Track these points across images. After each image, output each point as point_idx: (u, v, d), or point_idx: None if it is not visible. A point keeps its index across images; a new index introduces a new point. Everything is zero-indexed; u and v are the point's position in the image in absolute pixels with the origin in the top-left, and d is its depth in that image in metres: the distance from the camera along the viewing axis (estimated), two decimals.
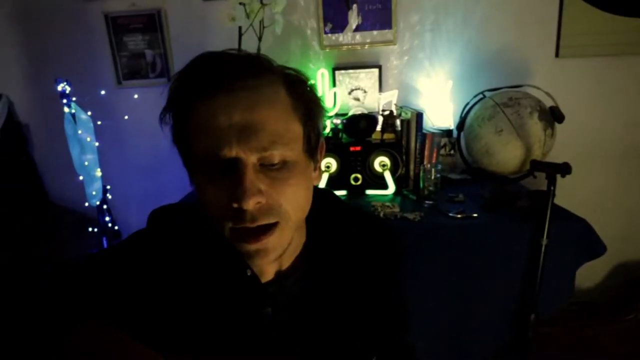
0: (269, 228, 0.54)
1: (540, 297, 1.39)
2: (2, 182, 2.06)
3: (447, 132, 1.86)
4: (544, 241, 1.32)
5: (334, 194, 0.75)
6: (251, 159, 0.52)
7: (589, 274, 2.12)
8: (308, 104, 0.59)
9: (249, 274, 0.62)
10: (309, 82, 0.61)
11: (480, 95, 1.63)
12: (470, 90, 1.73)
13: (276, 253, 0.57)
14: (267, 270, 0.64)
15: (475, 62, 1.91)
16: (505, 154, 1.50)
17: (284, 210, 0.55)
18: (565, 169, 1.22)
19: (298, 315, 0.65)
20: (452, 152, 1.89)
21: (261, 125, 0.52)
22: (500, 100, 1.52)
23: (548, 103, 1.52)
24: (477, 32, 1.89)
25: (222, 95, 0.52)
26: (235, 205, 0.51)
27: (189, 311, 0.63)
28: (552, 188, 1.28)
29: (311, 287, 0.66)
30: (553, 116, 1.49)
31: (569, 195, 1.59)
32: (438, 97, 1.91)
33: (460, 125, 1.67)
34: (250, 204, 0.51)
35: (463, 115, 1.66)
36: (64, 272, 0.68)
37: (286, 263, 0.65)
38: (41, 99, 2.05)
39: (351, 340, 0.67)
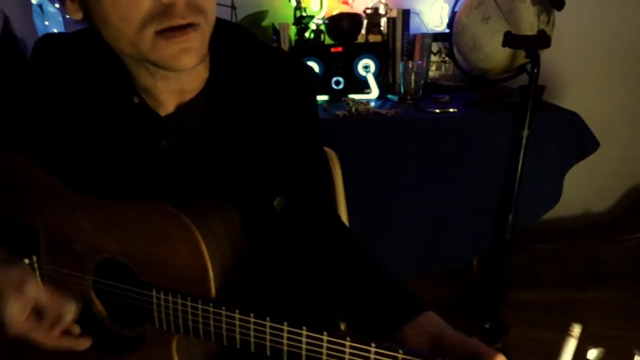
0: (193, 26, 0.51)
1: (523, 199, 1.31)
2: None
3: (442, 36, 1.72)
4: (525, 132, 1.22)
5: (245, 28, 0.70)
6: None
7: (600, 197, 1.98)
8: None
9: (136, 100, 0.60)
10: None
11: None
12: None
13: (199, 53, 0.53)
14: (167, 101, 0.61)
15: None
16: (493, 45, 1.37)
17: (205, 9, 0.51)
18: (542, 40, 1.09)
19: (196, 151, 0.62)
20: (446, 58, 1.75)
21: None
22: None
23: None
24: None
25: None
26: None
27: (84, 139, 0.63)
28: (535, 70, 1.16)
29: (212, 122, 0.63)
30: (550, 1, 1.33)
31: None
32: None
33: (451, 22, 1.54)
34: None
35: (454, 9, 1.52)
36: None
37: (187, 96, 0.62)
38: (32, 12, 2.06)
39: (252, 180, 0.64)
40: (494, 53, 1.39)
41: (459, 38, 1.48)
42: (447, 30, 1.70)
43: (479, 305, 1.56)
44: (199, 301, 0.53)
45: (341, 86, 1.62)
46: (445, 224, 1.38)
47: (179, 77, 0.58)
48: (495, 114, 1.34)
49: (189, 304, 0.54)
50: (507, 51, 1.36)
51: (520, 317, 1.56)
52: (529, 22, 1.31)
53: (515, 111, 1.29)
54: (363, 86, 1.61)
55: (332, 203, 0.74)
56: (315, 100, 0.71)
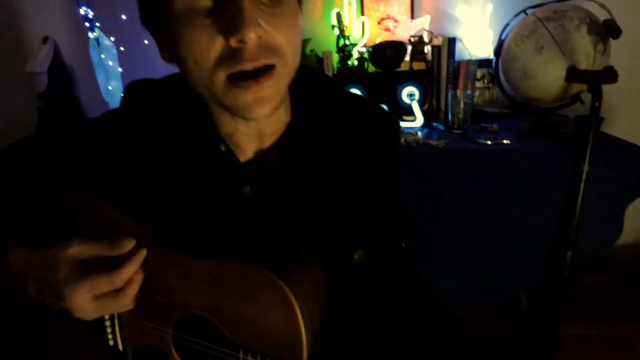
0: (268, 70, 0.49)
1: (581, 235, 1.26)
2: (50, 124, 2.21)
3: (486, 62, 1.70)
4: (585, 167, 1.18)
5: (324, 73, 0.70)
6: None
7: None
8: None
9: (223, 149, 0.60)
10: None
11: (522, 14, 1.46)
12: (510, 13, 1.55)
13: (274, 102, 0.52)
14: (247, 146, 0.62)
15: None
16: (547, 75, 1.34)
17: (282, 51, 0.50)
18: (609, 75, 1.05)
19: (279, 196, 0.62)
20: (490, 85, 1.73)
21: None
22: (542, 15, 1.35)
23: (602, 17, 1.33)
24: None
25: None
26: (233, 40, 0.46)
27: (169, 187, 0.63)
28: (596, 104, 1.12)
29: (293, 168, 0.62)
30: (606, 30, 1.29)
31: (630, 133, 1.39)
32: (476, 24, 1.75)
33: (498, 50, 1.51)
34: (252, 36, 0.46)
35: (501, 37, 1.50)
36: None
37: (267, 142, 0.62)
38: (82, 39, 2.13)
39: (333, 229, 0.63)
40: (546, 83, 1.35)
41: (508, 66, 1.45)
42: (492, 57, 1.68)
43: (529, 341, 1.50)
44: None
45: None
46: (498, 258, 1.34)
47: (258, 120, 0.57)
48: (548, 145, 1.30)
49: None
50: (561, 80, 1.33)
51: (572, 353, 1.49)
52: (584, 51, 1.28)
53: (570, 142, 1.25)
54: (407, 113, 1.60)
55: (409, 252, 0.72)
56: (398, 152, 0.70)
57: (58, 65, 2.17)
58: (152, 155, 0.62)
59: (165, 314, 0.61)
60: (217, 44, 0.47)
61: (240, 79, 0.48)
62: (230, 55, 0.47)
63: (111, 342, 0.64)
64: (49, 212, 0.60)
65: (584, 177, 1.18)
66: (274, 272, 0.51)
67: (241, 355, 0.55)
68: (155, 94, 0.65)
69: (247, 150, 0.61)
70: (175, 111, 0.62)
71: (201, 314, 0.58)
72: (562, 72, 1.31)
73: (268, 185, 0.62)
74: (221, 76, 0.48)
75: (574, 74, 1.14)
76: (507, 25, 1.49)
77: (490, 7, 1.70)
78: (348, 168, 0.63)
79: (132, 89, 0.68)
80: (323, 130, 0.63)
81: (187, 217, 0.62)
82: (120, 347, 0.64)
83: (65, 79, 2.20)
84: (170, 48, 0.52)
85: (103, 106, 2.16)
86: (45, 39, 2.13)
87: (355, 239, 0.64)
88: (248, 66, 0.48)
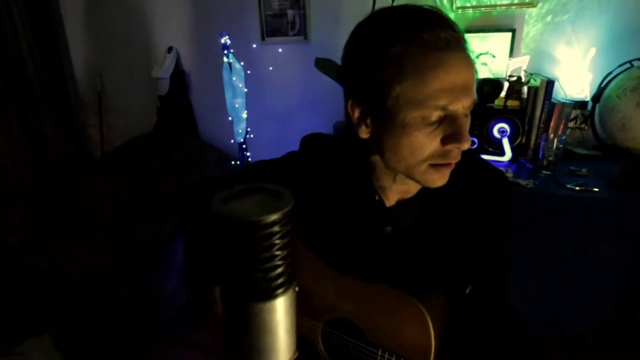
0: None
1: None
2: (166, 123, 2.53)
3: (581, 104, 1.74)
4: None
5: None
6: (463, 112, 0.63)
7: None
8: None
9: (377, 198, 0.77)
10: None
11: (627, 65, 1.50)
12: (615, 60, 1.59)
13: (447, 177, 0.68)
14: (392, 196, 0.78)
15: (627, 28, 1.71)
16: None
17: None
18: None
19: (412, 238, 0.78)
20: (583, 125, 1.77)
21: (472, 85, 0.63)
22: None
23: None
24: None
25: (453, 53, 0.60)
26: (450, 147, 0.62)
27: (327, 219, 0.81)
28: None
29: (426, 216, 0.78)
30: None
31: None
32: (576, 66, 1.79)
33: (597, 97, 1.56)
34: (465, 146, 0.63)
35: (602, 85, 1.55)
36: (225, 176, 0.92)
37: (408, 195, 0.78)
38: (200, 50, 2.42)
39: (453, 267, 0.79)
40: None
41: (606, 116, 1.51)
42: (588, 99, 1.72)
43: None
44: None
45: (475, 147, 1.72)
46: (573, 298, 1.43)
47: (411, 182, 0.73)
48: (638, 197, 1.35)
49: None
50: None
51: None
52: None
53: None
54: (496, 147, 1.70)
55: (509, 298, 0.86)
56: (512, 210, 0.83)
57: (178, 73, 2.48)
58: (320, 194, 0.81)
59: (318, 313, 0.81)
60: (434, 145, 0.63)
61: (439, 165, 0.65)
62: (440, 154, 0.64)
63: None
64: None
65: None
66: (414, 297, 0.69)
67: (379, 353, 0.73)
68: (327, 147, 0.84)
69: (391, 199, 0.78)
70: (342, 165, 0.80)
71: (349, 318, 0.77)
72: None
73: (405, 228, 0.79)
74: (427, 163, 0.65)
75: None
76: (609, 73, 1.53)
77: (593, 50, 1.74)
78: (467, 220, 0.78)
79: (308, 140, 0.87)
80: (452, 188, 0.78)
81: (341, 244, 0.81)
82: None
83: (182, 85, 2.52)
84: (377, 133, 0.68)
85: (213, 112, 2.45)
86: (170, 49, 2.45)
87: (468, 275, 0.79)
88: (449, 162, 0.65)
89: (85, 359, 1.66)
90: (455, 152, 0.63)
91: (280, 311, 0.33)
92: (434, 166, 0.65)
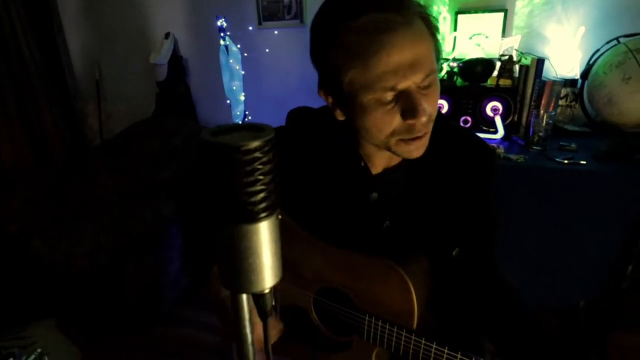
0: (426, 134, 0.70)
1: None
2: (165, 108, 2.57)
3: (571, 82, 1.78)
4: None
5: (441, 113, 0.89)
6: (416, 87, 0.65)
7: None
8: (437, 39, 0.69)
9: (362, 164, 0.81)
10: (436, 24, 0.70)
11: (614, 42, 1.53)
12: (603, 38, 1.61)
13: (425, 147, 0.72)
14: (378, 164, 0.82)
15: (616, 6, 1.74)
16: (630, 103, 1.43)
17: (432, 118, 0.70)
18: None
19: (398, 204, 0.83)
20: (573, 103, 1.81)
21: (422, 60, 0.64)
22: (634, 46, 1.42)
23: None
24: None
25: (395, 32, 0.61)
26: (410, 121, 0.65)
27: (314, 190, 0.86)
28: None
29: (411, 183, 0.82)
30: None
31: None
32: (566, 45, 1.82)
33: (585, 73, 1.60)
34: (423, 119, 0.65)
35: (590, 62, 1.58)
36: None
37: (394, 162, 0.82)
38: (197, 35, 2.45)
39: (439, 232, 0.83)
40: (629, 111, 1.44)
41: (593, 92, 1.54)
42: (578, 77, 1.75)
43: (584, 345, 1.62)
44: (404, 330, 0.74)
45: (469, 125, 1.76)
46: (562, 268, 1.48)
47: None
48: (624, 170, 1.40)
49: (395, 330, 0.75)
50: None
51: None
52: None
53: None
54: (489, 126, 1.73)
55: (497, 257, 0.91)
56: (494, 174, 0.87)
57: (176, 58, 2.51)
58: (307, 166, 0.85)
59: (309, 283, 0.86)
60: (395, 121, 0.67)
61: (409, 140, 0.69)
62: (405, 129, 0.67)
63: None
64: None
65: None
66: (396, 262, 0.73)
67: (367, 318, 0.78)
68: (311, 120, 0.88)
69: (377, 166, 0.82)
70: (327, 135, 0.83)
71: (336, 287, 0.82)
72: None
73: (391, 194, 0.83)
74: (396, 138, 0.69)
75: None
76: (597, 50, 1.57)
77: (582, 29, 1.77)
78: (452, 186, 0.82)
79: (294, 114, 0.91)
80: (436, 158, 0.82)
81: (329, 214, 0.85)
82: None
83: (180, 70, 2.54)
84: (349, 115, 0.72)
85: (212, 96, 2.48)
86: (167, 35, 2.47)
87: (453, 239, 0.84)
88: (416, 136, 0.68)
89: (89, 342, 1.70)
90: (418, 126, 0.67)
91: (265, 234, 0.36)
92: (404, 140, 0.69)
